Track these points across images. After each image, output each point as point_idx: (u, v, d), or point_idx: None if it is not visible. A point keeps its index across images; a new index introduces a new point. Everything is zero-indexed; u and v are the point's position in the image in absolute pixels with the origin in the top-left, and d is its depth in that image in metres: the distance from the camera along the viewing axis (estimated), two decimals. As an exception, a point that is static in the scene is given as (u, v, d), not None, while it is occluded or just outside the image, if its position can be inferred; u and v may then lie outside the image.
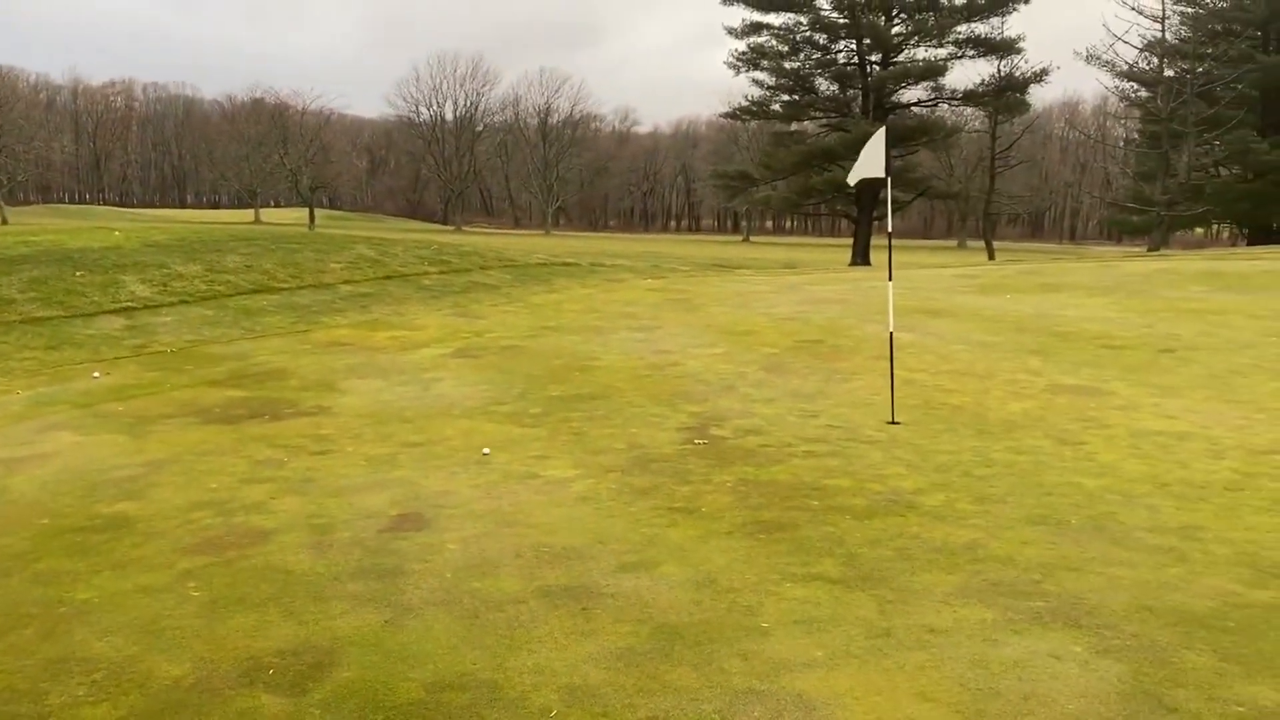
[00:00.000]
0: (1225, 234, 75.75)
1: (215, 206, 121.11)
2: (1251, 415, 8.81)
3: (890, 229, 9.95)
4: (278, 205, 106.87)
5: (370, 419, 8.68)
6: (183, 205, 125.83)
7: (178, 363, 10.86)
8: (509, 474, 7.10)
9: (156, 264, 14.81)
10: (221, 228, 39.57)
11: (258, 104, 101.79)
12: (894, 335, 11.49)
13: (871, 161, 8.78)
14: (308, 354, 11.48)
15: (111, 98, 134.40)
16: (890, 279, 9.94)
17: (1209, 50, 46.08)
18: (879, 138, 8.83)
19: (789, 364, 11.27)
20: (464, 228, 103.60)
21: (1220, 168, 50.97)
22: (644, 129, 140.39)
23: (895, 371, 9.69)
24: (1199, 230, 71.82)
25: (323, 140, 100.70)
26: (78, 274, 13.55)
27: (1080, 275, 20.06)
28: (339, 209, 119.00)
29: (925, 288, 18.36)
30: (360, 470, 7.20)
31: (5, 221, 60.65)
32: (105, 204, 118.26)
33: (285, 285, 14.63)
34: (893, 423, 8.66)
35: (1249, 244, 50.15)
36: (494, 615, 4.68)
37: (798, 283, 20.68)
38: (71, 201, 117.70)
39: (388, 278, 16.03)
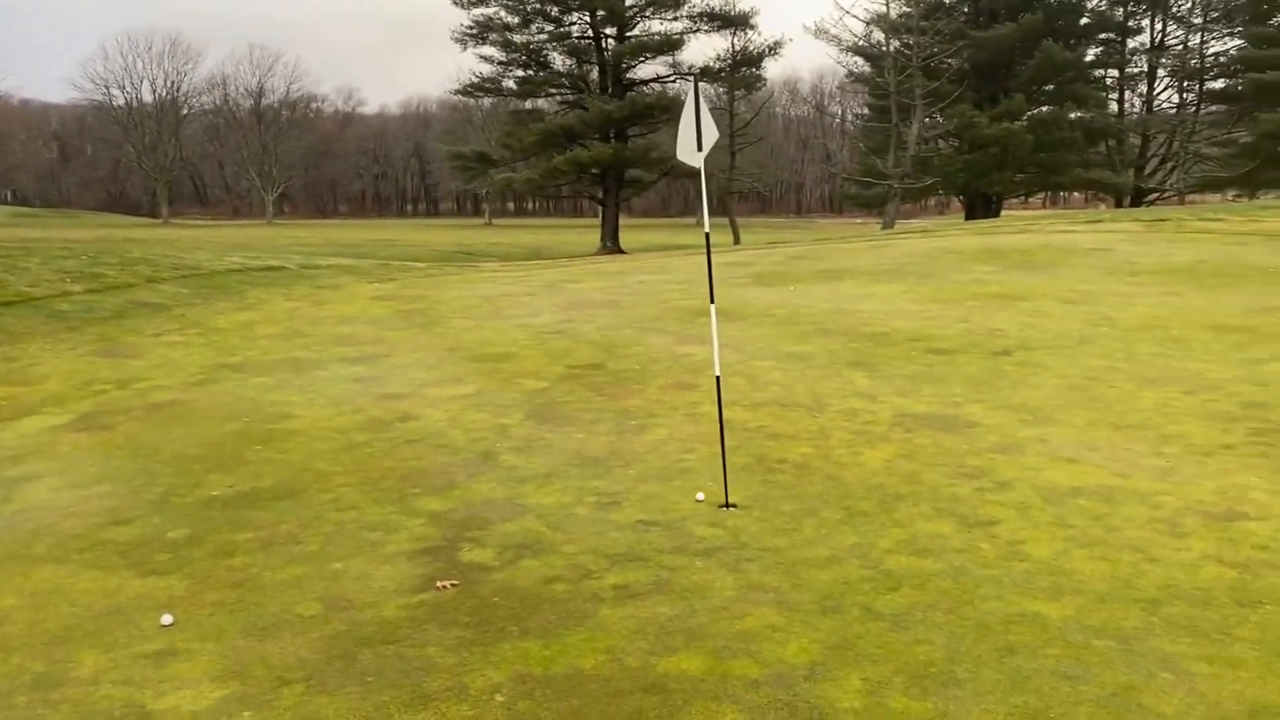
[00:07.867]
0: (954, 204, 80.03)
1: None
2: (1162, 449, 6.87)
3: (707, 213, 7.30)
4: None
5: None
6: None
7: None
8: (93, 712, 3.82)
9: None
10: None
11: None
12: (688, 354, 8.98)
13: (700, 129, 6.06)
14: None
15: None
16: (710, 276, 7.30)
17: (926, 25, 47.21)
18: (695, 103, 6.09)
19: (564, 406, 8.41)
20: (173, 220, 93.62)
21: (941, 141, 52.86)
22: (370, 109, 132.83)
23: (702, 408, 7.14)
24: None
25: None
26: None
27: (857, 258, 18.49)
28: (27, 205, 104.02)
29: (697, 279, 16.03)
30: None
31: None
32: None
33: None
34: (727, 506, 6.01)
35: (966, 214, 52.39)
36: None
37: (556, 280, 17.86)
38: None
39: (6, 304, 11.75)
